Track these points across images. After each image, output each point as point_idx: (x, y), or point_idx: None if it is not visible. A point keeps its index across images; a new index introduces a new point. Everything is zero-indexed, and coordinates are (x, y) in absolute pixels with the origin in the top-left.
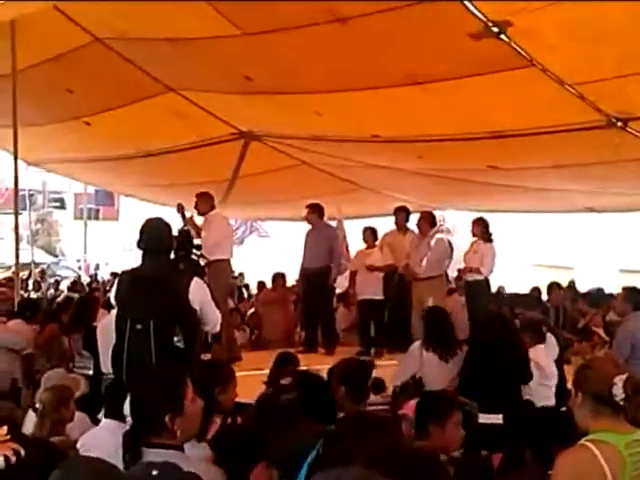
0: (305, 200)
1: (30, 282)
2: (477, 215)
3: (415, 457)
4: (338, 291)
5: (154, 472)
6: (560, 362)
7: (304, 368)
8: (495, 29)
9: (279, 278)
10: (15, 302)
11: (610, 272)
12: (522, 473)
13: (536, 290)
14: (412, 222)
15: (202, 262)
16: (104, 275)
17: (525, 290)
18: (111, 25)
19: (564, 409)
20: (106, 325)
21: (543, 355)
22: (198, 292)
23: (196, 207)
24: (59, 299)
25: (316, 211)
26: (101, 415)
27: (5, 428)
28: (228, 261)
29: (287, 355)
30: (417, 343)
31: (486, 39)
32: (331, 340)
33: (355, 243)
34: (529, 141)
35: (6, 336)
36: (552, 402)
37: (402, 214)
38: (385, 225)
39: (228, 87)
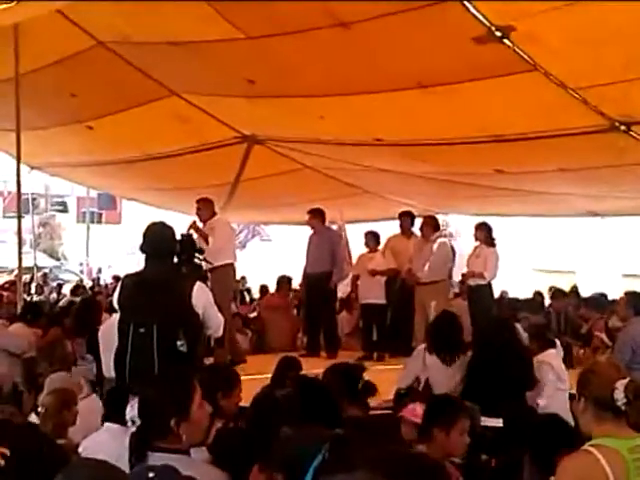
0: (308, 204)
1: (33, 286)
2: (480, 219)
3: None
4: (340, 295)
5: (150, 474)
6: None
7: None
8: (498, 33)
9: (284, 282)
10: (18, 306)
11: (613, 277)
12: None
13: (538, 295)
14: (417, 227)
15: (205, 266)
16: (106, 279)
17: (526, 295)
18: (114, 29)
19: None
20: (108, 329)
21: (557, 359)
22: (201, 296)
23: (198, 213)
24: (62, 303)
25: (318, 216)
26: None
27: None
28: (232, 265)
29: (289, 359)
30: (422, 346)
31: (489, 43)
32: (333, 344)
33: (357, 247)
34: (532, 145)
35: (7, 340)
36: (567, 407)
37: (407, 219)
38: (388, 229)
39: (231, 91)
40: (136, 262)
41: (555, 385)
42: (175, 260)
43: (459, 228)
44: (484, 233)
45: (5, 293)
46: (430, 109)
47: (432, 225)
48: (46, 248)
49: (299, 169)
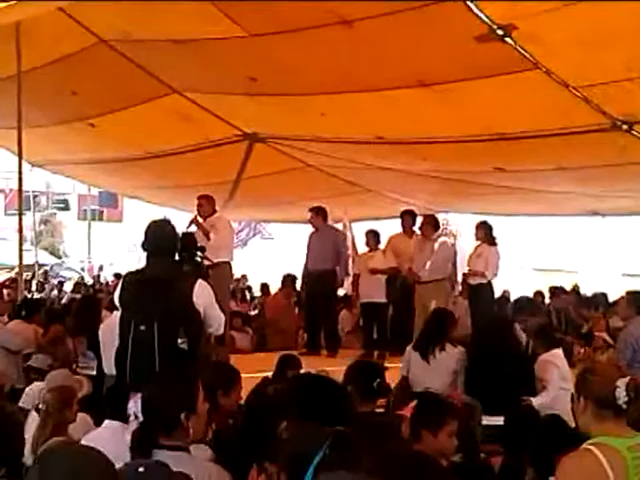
0: (309, 202)
1: (34, 283)
2: (481, 218)
3: (420, 461)
4: (341, 294)
5: (140, 469)
6: None
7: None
8: (500, 32)
9: (289, 281)
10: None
11: (613, 276)
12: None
13: (539, 294)
14: (418, 225)
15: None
16: (108, 276)
17: (527, 294)
18: (116, 27)
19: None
20: (109, 326)
21: (562, 358)
22: (203, 294)
23: (199, 210)
24: (63, 300)
25: (320, 214)
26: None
27: None
28: (229, 264)
29: (289, 357)
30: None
31: (491, 42)
32: (333, 343)
33: (359, 246)
34: (533, 143)
35: (5, 337)
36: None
37: (409, 217)
38: (389, 228)
39: (233, 88)
40: (137, 260)
41: (559, 385)
42: (177, 258)
43: (460, 227)
44: (485, 232)
45: (6, 290)
46: (431, 107)
47: (432, 224)
48: (47, 246)
49: (300, 167)
